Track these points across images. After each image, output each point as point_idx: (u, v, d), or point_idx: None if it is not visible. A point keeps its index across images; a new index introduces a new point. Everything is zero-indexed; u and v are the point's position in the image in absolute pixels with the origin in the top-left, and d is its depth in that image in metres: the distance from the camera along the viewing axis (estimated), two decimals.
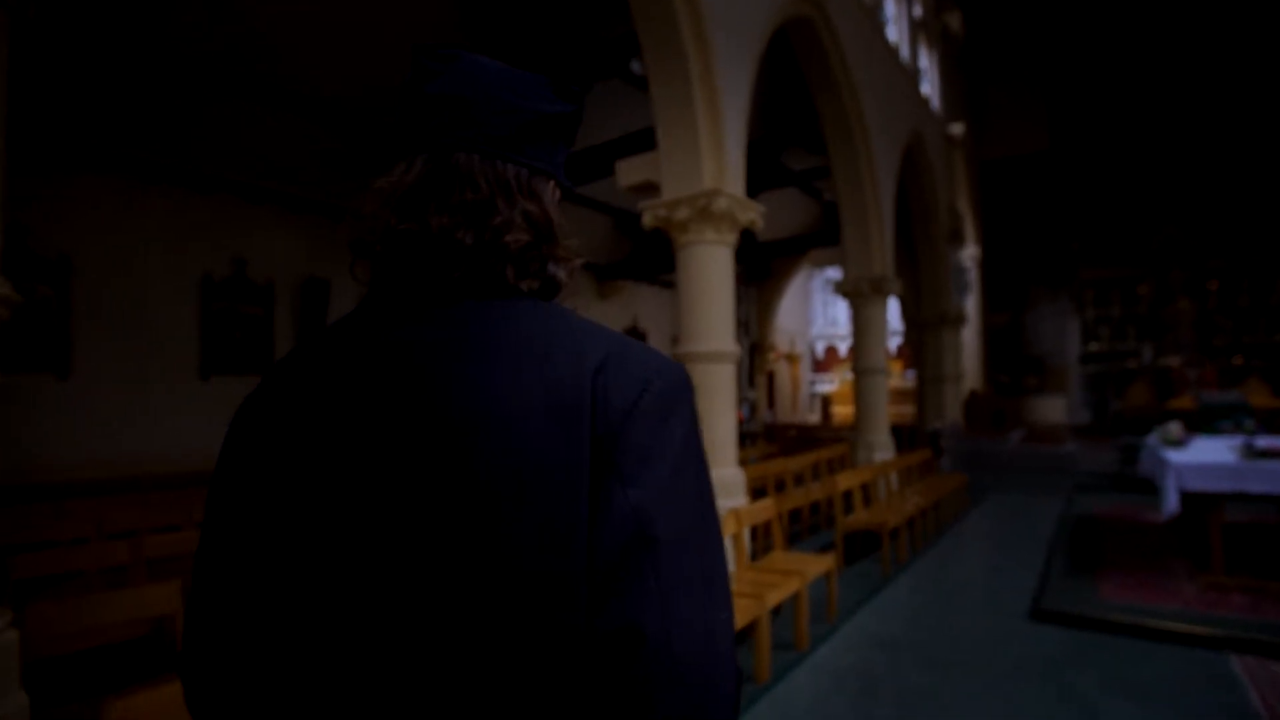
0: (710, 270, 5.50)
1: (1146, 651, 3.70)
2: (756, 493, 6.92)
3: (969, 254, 13.33)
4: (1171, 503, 4.66)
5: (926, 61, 12.48)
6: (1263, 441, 4.56)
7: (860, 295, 9.35)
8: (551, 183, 0.70)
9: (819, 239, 10.42)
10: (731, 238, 5.57)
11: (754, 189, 11.65)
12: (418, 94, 0.66)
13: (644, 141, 6.27)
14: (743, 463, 8.55)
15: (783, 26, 7.41)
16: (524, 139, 0.66)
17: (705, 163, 5.42)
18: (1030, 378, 15.26)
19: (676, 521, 0.55)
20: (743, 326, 14.66)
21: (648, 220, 5.63)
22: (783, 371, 18.78)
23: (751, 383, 15.85)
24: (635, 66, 6.97)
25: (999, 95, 16.39)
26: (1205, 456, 4.79)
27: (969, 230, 13.64)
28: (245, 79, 7.22)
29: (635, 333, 14.20)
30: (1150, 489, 7.84)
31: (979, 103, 16.21)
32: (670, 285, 13.74)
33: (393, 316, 0.62)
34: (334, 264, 8.71)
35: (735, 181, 5.58)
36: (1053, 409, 13.18)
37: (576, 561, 0.53)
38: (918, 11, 12.12)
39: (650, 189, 5.91)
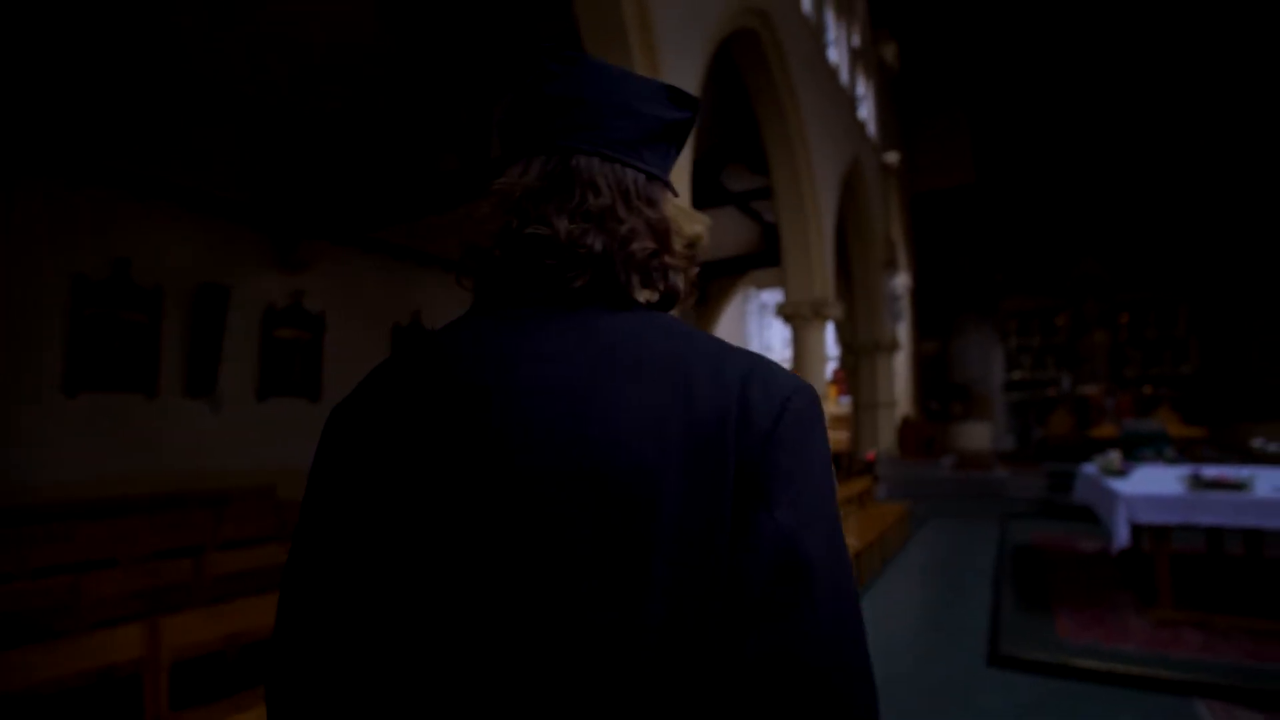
0: None
1: (1112, 699, 3.46)
2: None
3: (902, 282, 13.52)
4: (1123, 536, 4.51)
5: (863, 90, 12.66)
6: (1209, 472, 4.48)
7: (800, 318, 9.18)
8: (664, 189, 0.68)
9: (759, 260, 10.26)
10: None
11: (695, 208, 11.46)
12: (537, 95, 0.64)
13: None
14: None
15: (727, 45, 7.20)
16: (643, 144, 0.65)
17: None
18: (957, 404, 15.57)
19: (824, 544, 0.54)
20: None
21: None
22: None
23: None
24: None
25: (930, 129, 16.90)
26: (1153, 488, 4.67)
27: (902, 258, 13.85)
28: (146, 60, 6.45)
29: None
30: (1080, 516, 7.91)
31: (912, 135, 16.67)
32: None
33: (514, 325, 0.60)
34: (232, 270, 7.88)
35: (680, 187, 5.24)
36: (979, 435, 13.40)
37: (717, 584, 0.52)
38: (856, 41, 12.30)
39: None
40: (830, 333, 15.56)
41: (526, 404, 0.55)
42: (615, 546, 0.52)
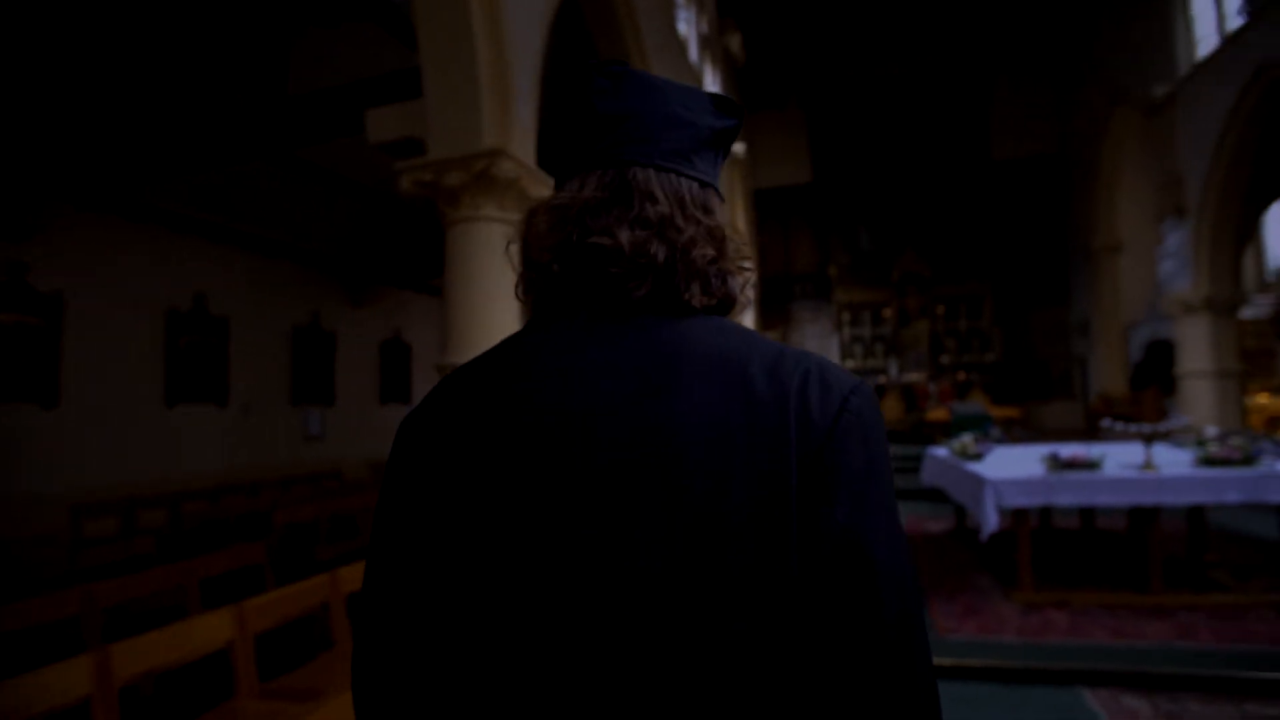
0: (490, 255, 4.25)
1: (1008, 700, 3.21)
2: None
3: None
4: (992, 521, 4.38)
5: (711, 78, 12.49)
6: (1065, 452, 4.48)
7: None
8: (716, 195, 0.68)
9: None
10: (518, 217, 4.39)
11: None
12: (588, 111, 0.65)
13: (405, 86, 4.85)
14: None
15: (577, 6, 6.46)
16: (694, 153, 0.65)
17: (487, 115, 4.19)
18: None
19: (886, 542, 0.55)
20: None
21: (407, 184, 4.23)
22: None
23: None
24: None
25: (772, 125, 17.31)
26: (1016, 471, 4.61)
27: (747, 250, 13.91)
28: None
29: (400, 348, 12.29)
30: (925, 497, 8.12)
31: (756, 130, 16.96)
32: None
33: (577, 334, 0.61)
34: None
35: (525, 145, 4.42)
36: None
37: (784, 585, 0.53)
38: (704, 26, 12.08)
39: (411, 147, 4.51)
40: None
41: (595, 411, 0.57)
42: (689, 544, 0.53)
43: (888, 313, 16.20)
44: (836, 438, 0.55)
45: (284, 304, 9.80)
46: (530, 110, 4.52)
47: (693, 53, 10.83)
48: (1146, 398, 12.24)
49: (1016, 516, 4.55)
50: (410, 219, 9.68)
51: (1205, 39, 10.85)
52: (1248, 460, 4.26)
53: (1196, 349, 10.78)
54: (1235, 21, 10.02)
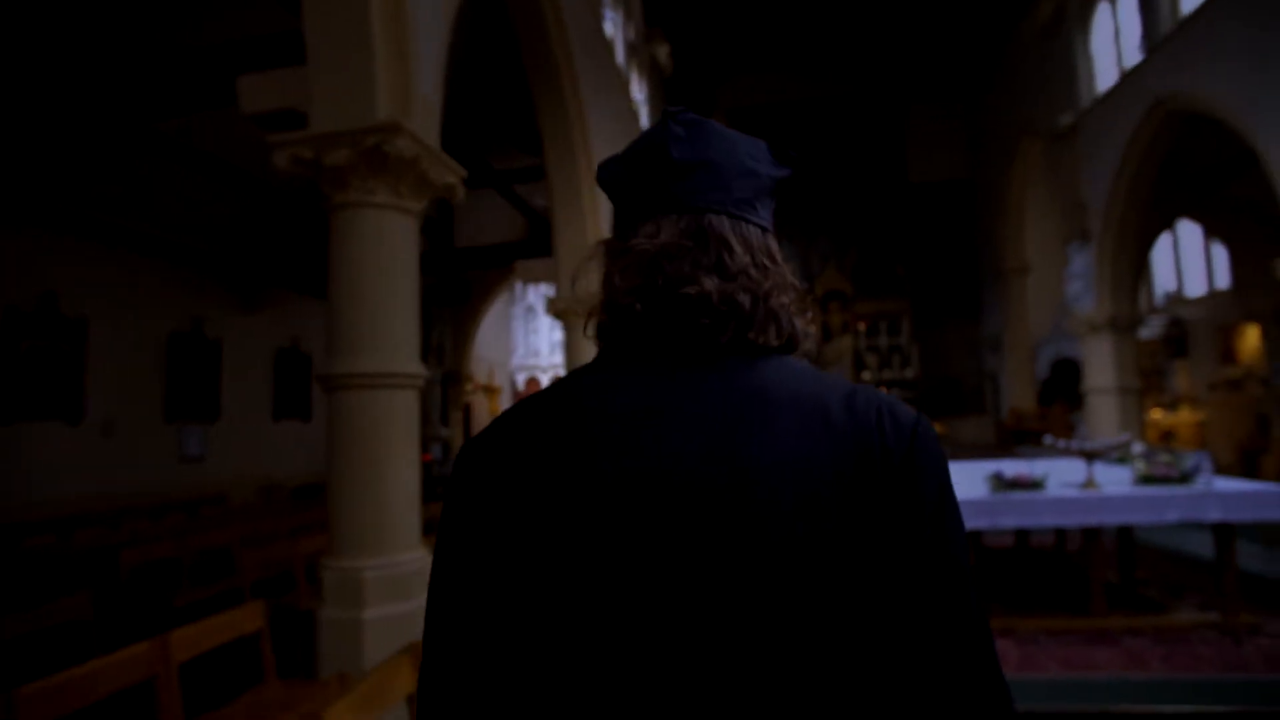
0: (384, 247, 3.65)
1: None
2: None
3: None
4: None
5: (639, 87, 12.18)
6: (1009, 470, 4.26)
7: (575, 316, 8.17)
8: (774, 239, 0.72)
9: (525, 249, 9.13)
10: (417, 205, 3.81)
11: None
12: (664, 157, 0.67)
13: (287, 50, 4.19)
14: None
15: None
16: (758, 200, 0.69)
17: (381, 83, 3.61)
18: None
19: (965, 552, 0.59)
20: (435, 353, 12.63)
21: (283, 161, 3.59)
22: (481, 405, 17.03)
23: (445, 419, 13.80)
24: None
25: None
26: (962, 491, 4.35)
27: (595, 271, 13.65)
28: None
29: (298, 357, 11.24)
30: None
31: None
32: None
33: (657, 377, 0.63)
34: None
35: (426, 122, 3.85)
36: None
37: (871, 607, 0.56)
38: (631, 34, 11.77)
39: (292, 119, 3.86)
40: None
41: (683, 453, 0.58)
42: (775, 573, 0.55)
43: (813, 328, 16.26)
44: (911, 465, 0.59)
45: (159, 308, 8.67)
46: (434, 81, 3.95)
47: (620, 55, 10.47)
48: (1054, 413, 12.67)
49: None
50: (311, 213, 8.82)
51: (1105, 72, 11.41)
52: (1184, 478, 4.15)
53: (1101, 366, 11.20)
54: (1133, 58, 10.55)
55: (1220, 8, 8.58)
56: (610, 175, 0.71)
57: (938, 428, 13.82)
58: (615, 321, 0.65)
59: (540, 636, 0.58)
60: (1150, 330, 14.00)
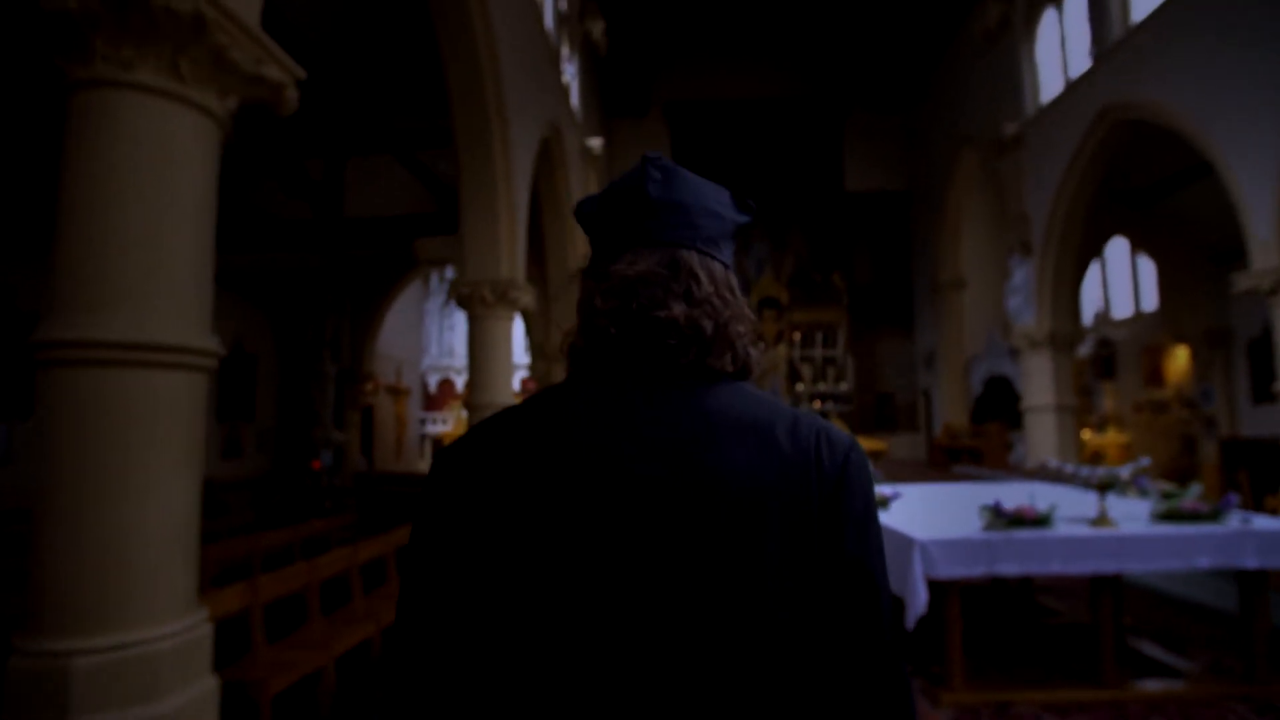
0: (153, 153, 2.43)
1: None
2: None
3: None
4: (922, 599, 3.15)
5: (569, 61, 11.08)
6: (1009, 504, 3.36)
7: (482, 304, 6.97)
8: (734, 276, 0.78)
9: (429, 224, 7.83)
10: (216, 102, 2.60)
11: (341, 150, 8.38)
12: (642, 197, 0.73)
13: None
14: (321, 543, 5.30)
15: None
16: (722, 240, 0.76)
17: None
18: None
19: (881, 566, 0.69)
20: (329, 347, 11.07)
21: None
22: (385, 408, 15.41)
23: (341, 422, 12.20)
24: None
25: (632, 129, 16.26)
26: (946, 528, 3.44)
27: (574, 298, 12.59)
28: None
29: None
30: None
31: (615, 131, 15.79)
32: None
33: (627, 393, 0.69)
34: None
35: None
36: None
37: (807, 599, 0.65)
38: (563, 4, 10.66)
39: None
40: (520, 333, 13.67)
41: (647, 455, 0.65)
42: (735, 570, 0.63)
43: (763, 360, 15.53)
44: (844, 486, 0.68)
45: None
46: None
47: (548, 20, 9.35)
48: (991, 431, 12.27)
49: (943, 591, 3.36)
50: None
51: (1051, 81, 11.13)
52: (1215, 515, 3.36)
53: (1040, 384, 10.82)
54: (1080, 66, 10.26)
55: (1173, 14, 8.25)
56: (590, 211, 0.78)
57: (876, 444, 13.28)
58: (590, 343, 0.72)
59: (512, 627, 0.64)
60: (1079, 349, 13.91)
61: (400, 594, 0.69)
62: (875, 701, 0.64)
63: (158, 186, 2.45)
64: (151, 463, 2.33)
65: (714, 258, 0.74)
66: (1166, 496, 3.43)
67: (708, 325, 0.69)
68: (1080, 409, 12.56)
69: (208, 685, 2.42)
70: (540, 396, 0.71)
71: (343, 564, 4.36)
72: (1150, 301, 13.51)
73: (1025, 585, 4.81)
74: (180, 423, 2.44)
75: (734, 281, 0.76)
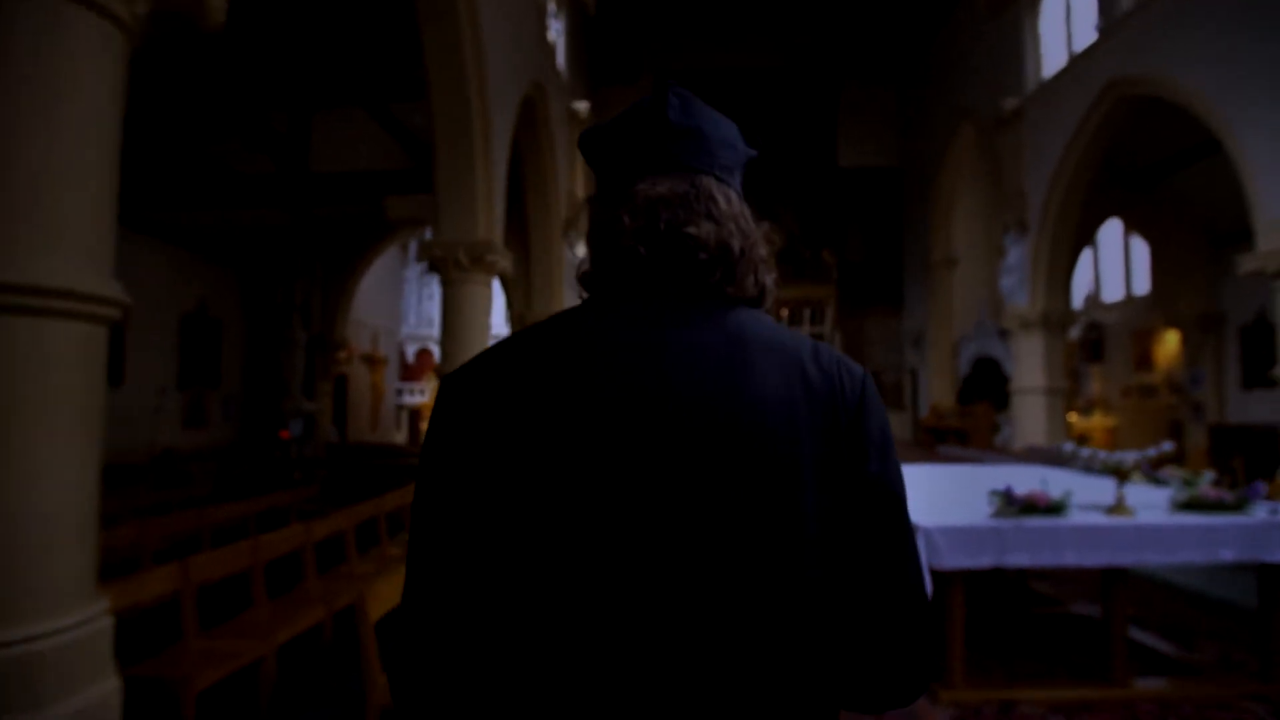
0: (34, 58, 2.03)
1: None
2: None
3: (583, 253, 11.80)
4: (927, 589, 2.86)
5: (556, 17, 10.54)
6: (1020, 489, 3.09)
7: (456, 268, 6.57)
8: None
9: (402, 182, 7.37)
10: (120, 4, 2.19)
11: (308, 101, 7.76)
12: (662, 121, 0.71)
13: None
14: (282, 517, 4.95)
15: None
16: (736, 170, 0.76)
17: None
18: None
19: (901, 484, 0.69)
20: (299, 311, 10.60)
21: None
22: (360, 377, 14.96)
23: (312, 391, 11.76)
24: None
25: (620, 96, 15.71)
26: (951, 513, 3.16)
27: (585, 225, 12.17)
28: None
29: None
30: None
31: (601, 98, 15.24)
32: None
33: (654, 315, 0.66)
34: None
35: None
36: None
37: (837, 517, 0.65)
38: None
39: None
40: (499, 301, 13.23)
41: (684, 377, 0.63)
42: (773, 497, 0.62)
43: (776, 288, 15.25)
44: (863, 411, 0.68)
45: None
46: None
47: None
48: (978, 412, 12.11)
49: (946, 582, 3.10)
50: None
51: (1054, 55, 10.78)
52: (1240, 504, 3.11)
53: (1031, 365, 10.63)
54: (1084, 39, 9.92)
55: None
56: (600, 136, 0.75)
57: None
58: (614, 264, 0.69)
59: (537, 556, 0.60)
60: (1068, 332, 13.77)
61: (409, 554, 0.65)
62: (904, 622, 0.65)
63: (50, 103, 2.05)
64: (37, 427, 1.97)
65: (730, 186, 0.74)
66: (1187, 484, 3.16)
67: (735, 244, 0.69)
68: (1067, 392, 12.43)
69: (108, 687, 2.08)
70: (558, 319, 0.68)
71: (296, 540, 4.02)
72: (1142, 285, 13.35)
73: (1020, 571, 4.59)
74: (77, 382, 2.07)
75: (748, 211, 0.75)
